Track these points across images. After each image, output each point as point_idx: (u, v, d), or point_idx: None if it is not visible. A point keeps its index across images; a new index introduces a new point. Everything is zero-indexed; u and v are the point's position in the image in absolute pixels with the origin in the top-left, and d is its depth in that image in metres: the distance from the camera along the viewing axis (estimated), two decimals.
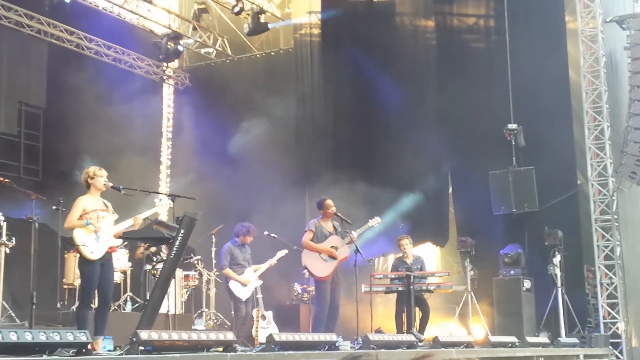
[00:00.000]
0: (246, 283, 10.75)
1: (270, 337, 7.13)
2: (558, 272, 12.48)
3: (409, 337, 9.17)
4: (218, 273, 12.23)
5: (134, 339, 5.88)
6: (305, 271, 10.30)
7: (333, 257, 9.88)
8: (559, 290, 12.45)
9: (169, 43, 16.37)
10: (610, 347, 12.59)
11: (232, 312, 10.97)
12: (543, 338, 11.62)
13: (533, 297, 12.88)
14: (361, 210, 12.54)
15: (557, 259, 12.51)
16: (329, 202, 10.09)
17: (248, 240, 10.92)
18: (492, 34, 14.89)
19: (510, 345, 10.34)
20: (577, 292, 12.94)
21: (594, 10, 13.84)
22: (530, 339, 10.93)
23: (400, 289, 10.89)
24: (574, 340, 11.87)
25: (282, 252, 11.42)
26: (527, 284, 12.76)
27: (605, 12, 13.99)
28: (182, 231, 7.55)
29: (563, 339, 11.75)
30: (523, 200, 13.13)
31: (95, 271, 7.55)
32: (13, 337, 5.04)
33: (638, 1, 14.16)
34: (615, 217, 13.39)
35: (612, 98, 14.00)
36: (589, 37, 13.89)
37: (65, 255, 11.22)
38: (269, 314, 11.25)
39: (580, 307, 12.81)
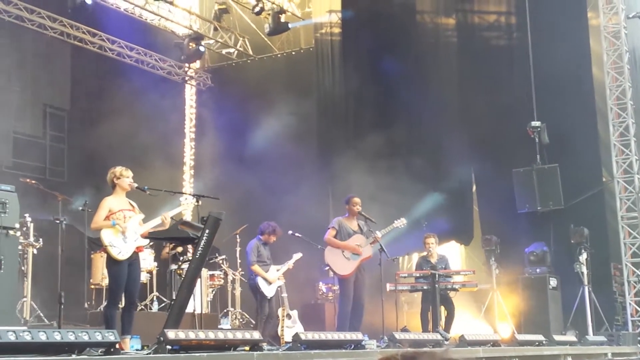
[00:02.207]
0: (272, 281, 10.78)
1: (296, 336, 7.13)
2: (584, 270, 12.36)
3: (435, 336, 9.15)
4: (243, 272, 12.25)
5: (162, 339, 5.91)
6: (327, 268, 10.28)
7: (356, 255, 9.89)
8: (586, 288, 12.33)
9: (190, 44, 16.44)
10: (639, 345, 12.46)
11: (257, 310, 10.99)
12: (570, 336, 11.53)
13: (559, 296, 12.78)
14: (385, 209, 12.51)
15: (583, 256, 12.39)
16: (356, 199, 10.15)
17: (271, 240, 10.93)
18: (514, 31, 14.80)
19: (537, 343, 10.27)
20: (604, 290, 12.82)
21: (617, 6, 13.71)
22: (557, 338, 10.86)
23: (425, 287, 10.87)
24: (602, 338, 11.77)
25: (297, 255, 11.36)
26: (553, 282, 12.67)
27: (628, 8, 13.88)
28: (207, 231, 7.56)
29: (590, 337, 11.65)
30: (548, 198, 13.03)
31: (123, 271, 7.58)
32: (42, 337, 5.07)
33: None
34: None
35: (637, 94, 13.87)
36: (612, 33, 13.78)
37: (92, 256, 11.32)
38: (294, 313, 11.25)
39: (607, 305, 12.70)
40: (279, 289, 10.94)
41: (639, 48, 14.64)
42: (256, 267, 10.73)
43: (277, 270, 10.94)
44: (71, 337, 5.34)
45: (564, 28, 13.84)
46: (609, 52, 13.74)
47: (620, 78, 13.58)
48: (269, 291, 10.72)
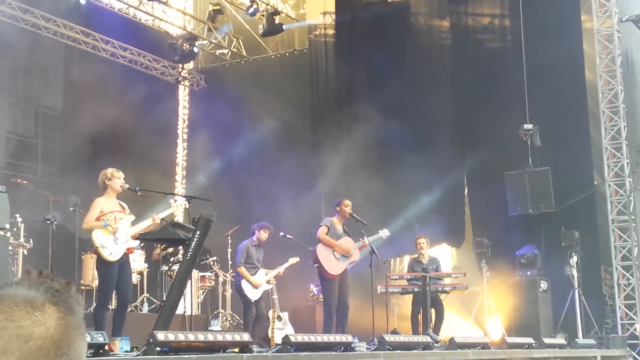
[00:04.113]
0: (258, 285, 10.68)
1: (286, 338, 7.15)
2: (575, 273, 12.41)
3: (425, 338, 9.17)
4: (234, 274, 12.24)
5: (151, 340, 5.93)
6: (316, 265, 10.18)
7: (345, 257, 9.92)
8: (576, 291, 12.38)
9: (184, 44, 16.43)
10: (628, 348, 12.50)
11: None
12: (560, 339, 11.57)
13: (550, 298, 12.82)
14: (376, 211, 12.55)
15: (573, 259, 12.44)
16: (347, 201, 10.24)
17: (263, 237, 10.81)
18: (508, 33, 14.84)
19: (526, 346, 10.32)
20: (594, 293, 12.87)
21: (610, 9, 13.75)
22: (547, 340, 10.89)
23: (416, 289, 10.90)
24: (591, 341, 11.81)
25: (294, 260, 11.34)
26: (543, 285, 12.70)
27: (621, 11, 13.92)
28: (198, 232, 7.57)
29: (580, 340, 11.70)
30: (539, 200, 13.06)
31: (113, 272, 7.59)
32: None
33: None
34: (633, 217, 13.29)
35: (629, 98, 13.92)
36: (605, 37, 13.82)
37: (83, 257, 11.30)
38: (285, 315, 11.24)
39: (597, 308, 12.74)
40: (269, 290, 10.92)
41: (631, 51, 14.70)
42: (242, 269, 10.65)
43: (266, 275, 10.87)
44: None
45: (558, 31, 13.89)
46: (601, 55, 13.78)
47: (613, 81, 13.62)
48: (252, 294, 10.59)
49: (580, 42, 13.96)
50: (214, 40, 16.90)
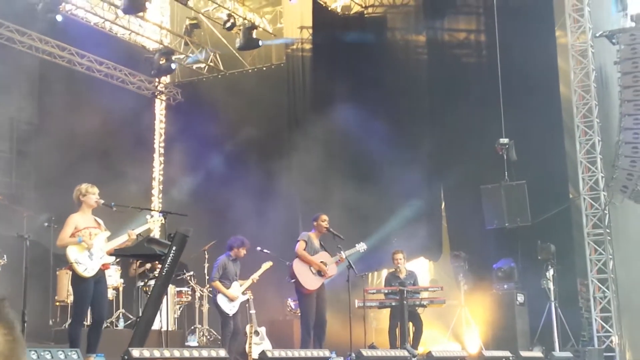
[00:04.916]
0: (234, 298, 10.60)
1: (262, 354, 7.13)
2: (551, 286, 12.48)
3: (403, 353, 9.18)
4: (211, 289, 12.18)
5: (126, 357, 5.88)
6: (293, 281, 10.12)
7: (321, 274, 9.91)
8: (553, 304, 12.44)
9: (160, 58, 16.37)
10: None
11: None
12: (537, 352, 11.62)
13: (526, 312, 12.88)
14: (354, 226, 12.54)
15: (550, 273, 12.51)
16: (324, 216, 10.23)
17: (241, 254, 10.76)
18: (483, 48, 14.97)
19: (504, 359, 10.33)
20: (571, 306, 12.94)
21: (584, 25, 13.92)
22: (523, 354, 10.93)
23: (393, 303, 10.90)
24: (568, 354, 11.86)
25: (267, 265, 11.26)
26: (520, 298, 12.77)
27: (595, 27, 14.07)
28: (174, 248, 7.51)
29: (557, 353, 11.73)
30: (515, 214, 13.13)
31: (89, 288, 7.52)
32: None
33: (627, 16, 14.24)
34: (608, 230, 13.41)
35: (603, 112, 14.06)
36: (579, 52, 13.97)
37: (58, 272, 11.18)
38: (262, 330, 11.18)
39: (573, 321, 12.81)
40: (247, 305, 10.85)
41: (605, 66, 14.85)
42: (217, 284, 10.53)
43: (241, 286, 10.80)
44: (33, 357, 5.29)
45: (533, 46, 14.02)
46: (576, 71, 13.92)
47: (587, 96, 13.76)
48: (229, 308, 10.48)
49: (555, 58, 14.10)
50: (190, 55, 16.87)
